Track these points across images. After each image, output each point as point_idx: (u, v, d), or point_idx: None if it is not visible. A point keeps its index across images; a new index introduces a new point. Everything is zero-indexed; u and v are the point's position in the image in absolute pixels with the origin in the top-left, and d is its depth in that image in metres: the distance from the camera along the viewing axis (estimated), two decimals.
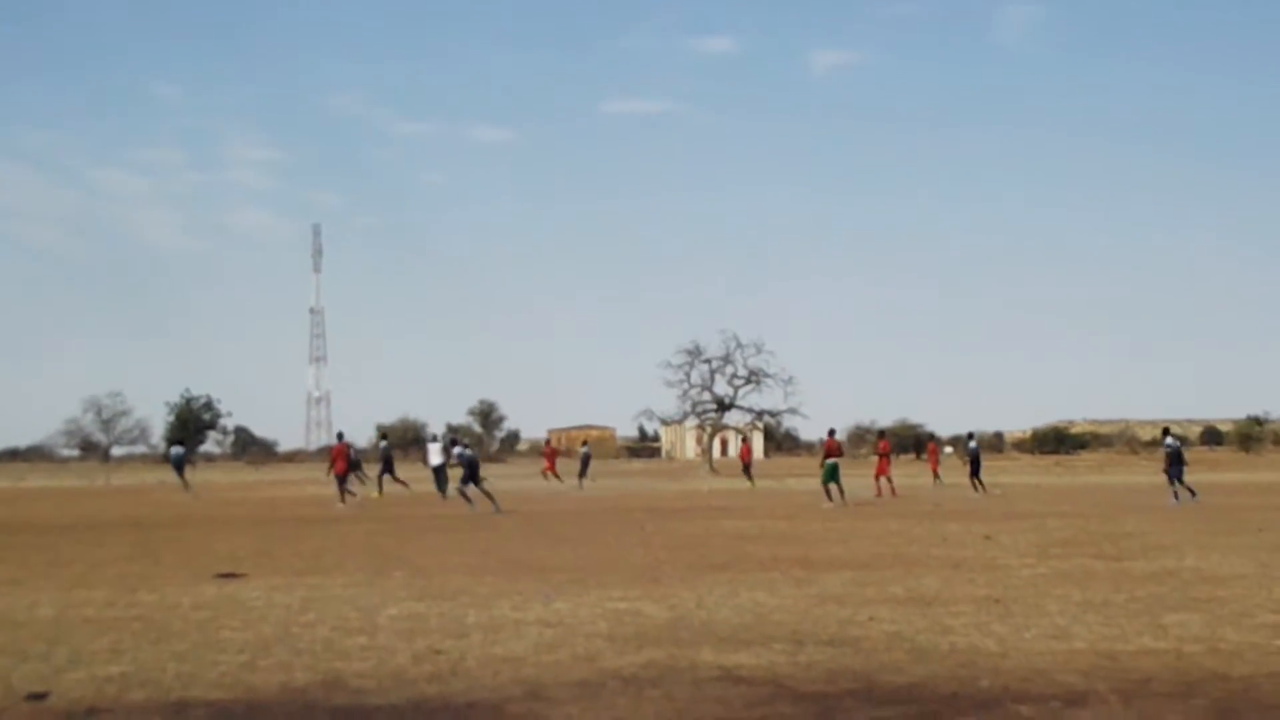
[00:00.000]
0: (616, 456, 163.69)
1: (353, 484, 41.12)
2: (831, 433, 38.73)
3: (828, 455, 37.02)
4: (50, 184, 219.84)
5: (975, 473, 44.83)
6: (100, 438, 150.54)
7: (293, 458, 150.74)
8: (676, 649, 11.17)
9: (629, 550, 21.39)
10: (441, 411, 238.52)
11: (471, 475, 34.53)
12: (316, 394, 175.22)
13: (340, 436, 42.58)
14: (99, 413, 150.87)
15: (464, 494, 34.15)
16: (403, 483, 46.20)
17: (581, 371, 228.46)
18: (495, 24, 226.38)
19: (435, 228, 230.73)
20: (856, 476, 47.85)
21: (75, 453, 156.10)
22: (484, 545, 22.49)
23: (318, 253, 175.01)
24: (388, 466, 46.45)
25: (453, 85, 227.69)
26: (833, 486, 36.01)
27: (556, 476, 58.29)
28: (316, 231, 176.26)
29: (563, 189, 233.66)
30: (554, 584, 16.07)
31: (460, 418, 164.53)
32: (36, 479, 77.33)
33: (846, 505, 34.97)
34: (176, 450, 59.88)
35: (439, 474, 42.12)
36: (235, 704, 9.03)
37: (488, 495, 34.05)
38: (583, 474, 57.74)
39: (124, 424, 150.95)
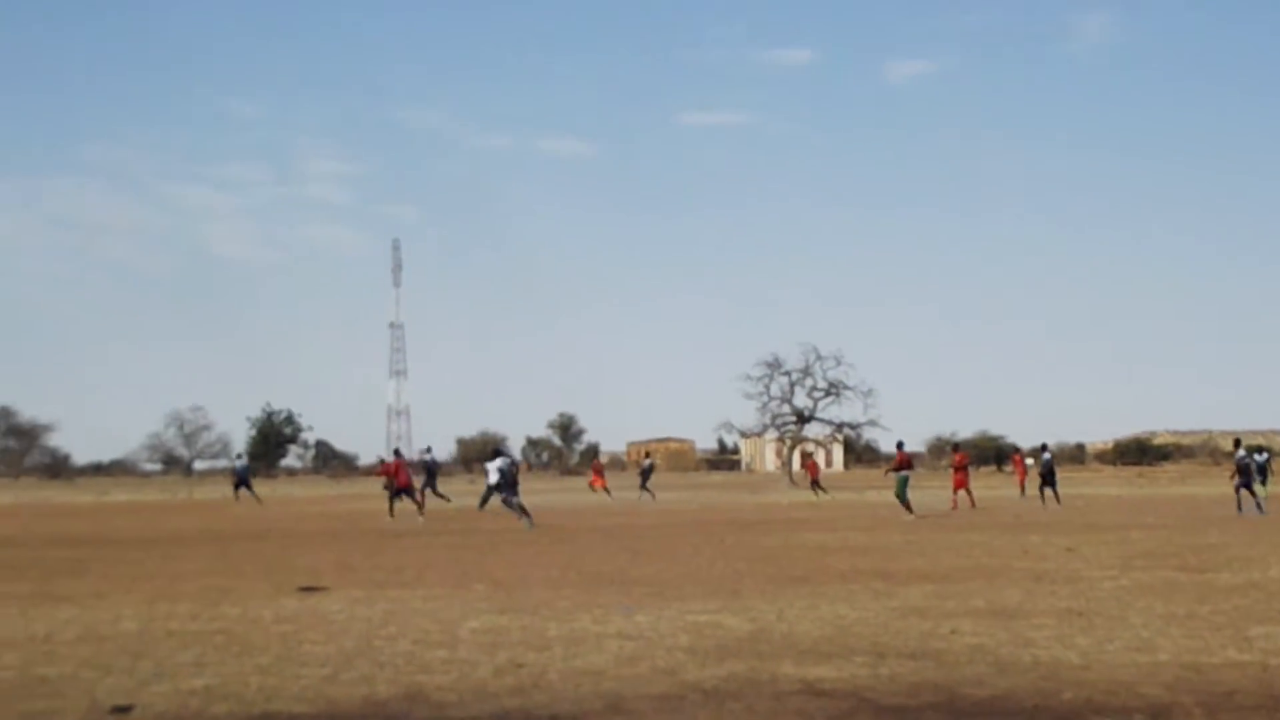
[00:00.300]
0: (696, 469, 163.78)
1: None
2: (900, 445, 38.86)
3: (898, 468, 37.01)
4: (130, 200, 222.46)
5: (1049, 484, 44.39)
6: (182, 452, 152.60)
7: (373, 471, 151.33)
8: (757, 662, 11.13)
9: (709, 563, 21.36)
10: (522, 424, 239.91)
11: (510, 487, 35.02)
12: (397, 408, 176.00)
13: (397, 453, 43.43)
14: (181, 427, 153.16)
15: (508, 505, 34.65)
16: (443, 496, 46.30)
17: (661, 384, 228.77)
18: (572, 36, 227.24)
19: (513, 241, 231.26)
20: (938, 489, 47.57)
21: (158, 467, 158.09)
22: (564, 558, 22.50)
23: (397, 267, 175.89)
24: (431, 479, 46.75)
25: (529, 98, 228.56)
26: (909, 499, 36.01)
27: (606, 491, 58.23)
28: (396, 246, 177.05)
29: (640, 201, 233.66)
30: (634, 597, 16.07)
31: (540, 430, 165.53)
32: (120, 493, 78.09)
33: (915, 518, 34.81)
34: (241, 464, 60.38)
35: (497, 490, 42.43)
36: (318, 717, 9.06)
37: (522, 510, 34.49)
38: (644, 485, 57.61)
39: (206, 438, 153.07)
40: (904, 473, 36.70)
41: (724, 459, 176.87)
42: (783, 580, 18.22)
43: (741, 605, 15.16)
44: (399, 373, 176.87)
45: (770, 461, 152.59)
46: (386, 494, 41.90)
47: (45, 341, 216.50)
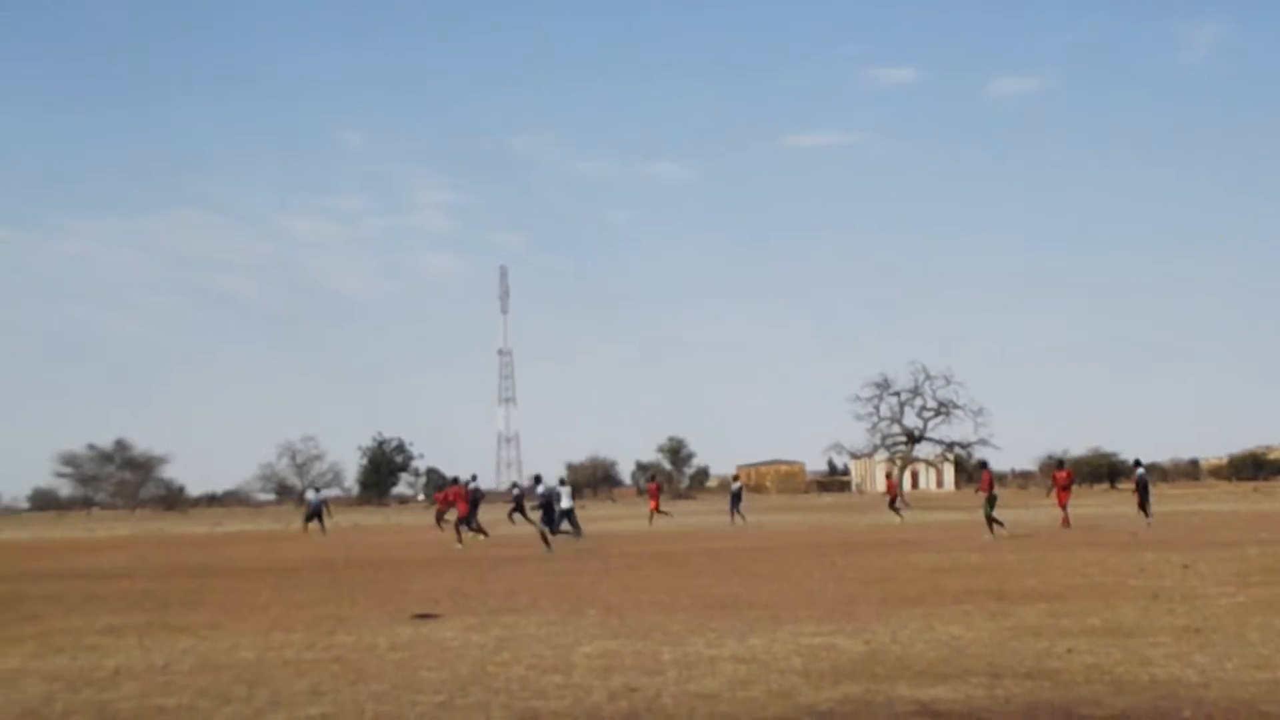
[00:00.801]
0: (806, 491, 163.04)
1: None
2: (984, 465, 39.76)
3: (986, 488, 37.07)
4: (241, 232, 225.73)
5: (1144, 502, 43.74)
6: (295, 482, 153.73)
7: (484, 498, 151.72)
8: (872, 684, 11.08)
9: (821, 585, 21.27)
10: (631, 449, 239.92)
11: (547, 513, 37.05)
12: (506, 434, 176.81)
13: (456, 480, 45.23)
14: (293, 457, 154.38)
15: (550, 530, 36.55)
16: (482, 531, 46.34)
17: (771, 406, 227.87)
18: (675, 59, 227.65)
19: (620, 266, 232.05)
20: (1044, 508, 47.03)
21: (271, 497, 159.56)
22: (676, 582, 22.49)
23: (504, 294, 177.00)
24: (473, 510, 47.04)
25: (633, 122, 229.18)
26: (995, 518, 35.97)
27: (663, 513, 58.01)
28: (503, 274, 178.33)
29: (746, 223, 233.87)
30: (747, 620, 16.03)
31: (650, 455, 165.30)
32: (233, 523, 78.96)
33: (995, 538, 34.55)
34: (316, 497, 60.88)
35: (569, 516, 43.28)
36: None
37: (544, 536, 36.09)
38: (734, 509, 57.28)
39: (318, 468, 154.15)
40: (992, 493, 36.82)
41: (834, 480, 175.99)
42: (896, 601, 18.12)
43: (855, 627, 15.10)
44: (508, 399, 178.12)
45: (880, 483, 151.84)
46: (451, 523, 42.69)
47: (159, 374, 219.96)
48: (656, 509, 58.60)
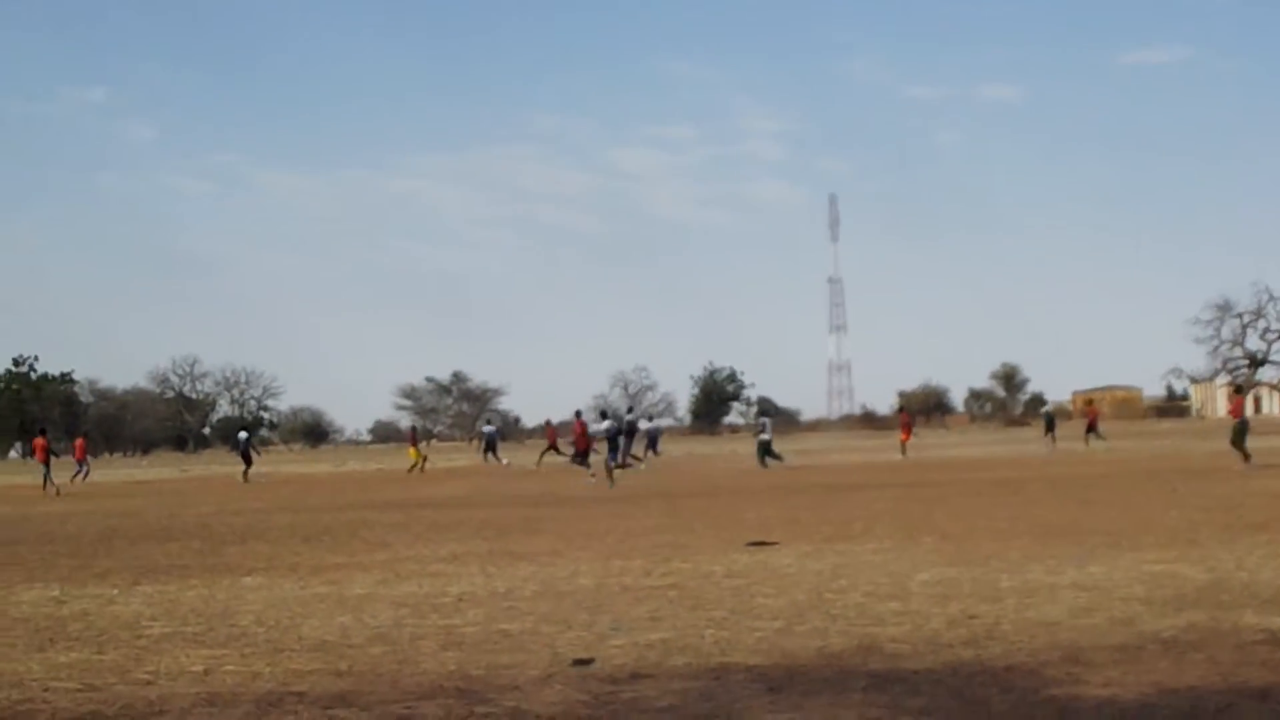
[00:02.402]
0: (1143, 417, 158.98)
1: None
2: (1239, 389, 40.79)
3: (1237, 413, 35.86)
4: (570, 165, 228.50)
5: None
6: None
7: (815, 427, 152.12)
8: (1217, 611, 10.74)
9: (1161, 512, 20.69)
10: (964, 376, 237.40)
11: (613, 447, 40.48)
12: (837, 363, 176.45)
13: (578, 414, 45.83)
14: (626, 387, 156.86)
15: (623, 463, 40.21)
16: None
17: (1107, 330, 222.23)
18: None
19: (949, 190, 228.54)
20: None
21: (604, 427, 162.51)
22: (1012, 510, 22.15)
23: (834, 221, 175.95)
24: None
25: (962, 44, 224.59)
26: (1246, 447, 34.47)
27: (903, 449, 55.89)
28: (833, 201, 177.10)
29: (1079, 144, 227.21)
30: (1086, 547, 15.69)
31: (982, 382, 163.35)
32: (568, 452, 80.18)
33: (1245, 468, 33.00)
34: (489, 429, 62.85)
35: (767, 448, 45.83)
36: (774, 669, 9.09)
37: (608, 471, 38.29)
38: (1050, 433, 56.35)
39: (650, 398, 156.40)
40: (1243, 418, 35.48)
41: (1173, 406, 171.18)
42: (1240, 528, 17.57)
43: (1198, 554, 14.67)
44: (839, 328, 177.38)
45: (1221, 408, 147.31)
46: (567, 456, 43.57)
47: (493, 307, 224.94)
48: (907, 440, 55.87)
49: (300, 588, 14.55)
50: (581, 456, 41.62)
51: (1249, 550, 14.91)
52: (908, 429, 57.12)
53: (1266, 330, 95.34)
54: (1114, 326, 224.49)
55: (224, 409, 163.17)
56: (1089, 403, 72.48)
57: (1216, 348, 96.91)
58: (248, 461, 52.10)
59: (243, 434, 56.13)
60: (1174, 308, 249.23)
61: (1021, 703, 7.90)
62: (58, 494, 43.27)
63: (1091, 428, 56.88)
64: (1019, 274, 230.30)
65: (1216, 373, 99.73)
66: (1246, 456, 34.16)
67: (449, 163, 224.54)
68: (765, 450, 46.19)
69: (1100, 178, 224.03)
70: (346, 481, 49.10)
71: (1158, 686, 8.18)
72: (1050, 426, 57.48)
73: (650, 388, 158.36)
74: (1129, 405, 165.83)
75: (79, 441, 53.24)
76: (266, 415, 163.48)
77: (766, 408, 59.42)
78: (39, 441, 48.52)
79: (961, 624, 10.57)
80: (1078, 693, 8.10)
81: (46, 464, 47.27)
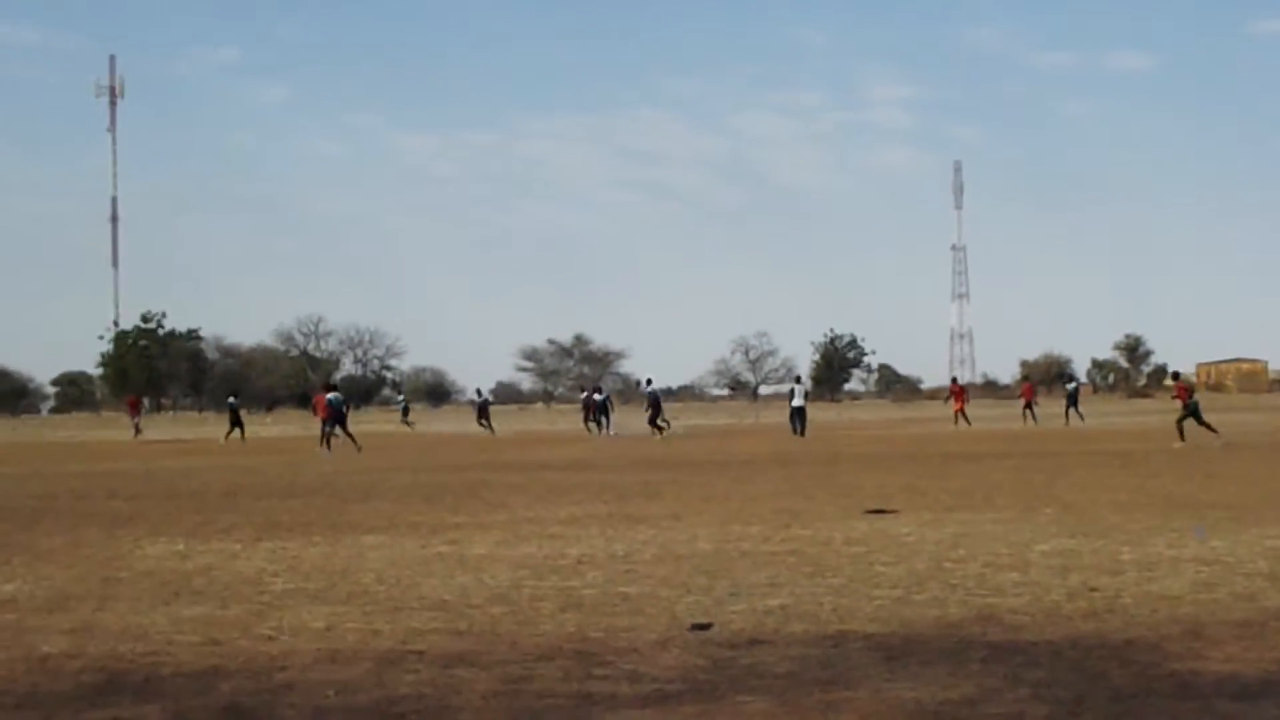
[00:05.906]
0: (1269, 390, 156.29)
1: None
2: (1177, 375, 41.48)
3: (1180, 397, 35.39)
4: (697, 129, 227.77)
5: None
6: (749, 377, 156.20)
7: (936, 395, 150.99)
8: None
9: None
10: (1086, 346, 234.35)
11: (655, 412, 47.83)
12: (960, 331, 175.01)
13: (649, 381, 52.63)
14: (747, 353, 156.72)
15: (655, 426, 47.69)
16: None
17: (1232, 303, 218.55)
18: None
19: (1076, 159, 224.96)
20: None
21: (725, 391, 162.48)
22: (1134, 482, 21.93)
23: (959, 189, 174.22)
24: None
25: (1093, 12, 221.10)
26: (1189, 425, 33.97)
27: (965, 418, 54.42)
28: (957, 168, 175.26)
29: (1209, 113, 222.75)
30: (1209, 521, 15.51)
31: (1105, 352, 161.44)
32: (689, 417, 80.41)
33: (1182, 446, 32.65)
34: (481, 398, 65.88)
35: (800, 414, 47.26)
36: (892, 637, 9.10)
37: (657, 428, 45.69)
38: (1073, 408, 56.10)
39: (770, 364, 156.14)
40: (1192, 400, 34.64)
41: None
42: None
43: None
44: (961, 295, 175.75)
45: None
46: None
47: (616, 271, 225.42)
48: (961, 410, 54.98)
49: (421, 547, 14.71)
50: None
51: None
52: (960, 397, 56.68)
53: None
54: (1240, 298, 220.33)
55: (348, 367, 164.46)
56: (1025, 379, 72.21)
57: None
58: (237, 425, 53.40)
59: (231, 399, 57.49)
60: None
61: (1141, 676, 7.86)
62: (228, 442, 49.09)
63: (1029, 405, 56.55)
64: (1144, 244, 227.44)
65: None
66: (1181, 436, 33.59)
67: (577, 126, 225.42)
68: (799, 417, 46.35)
69: (1229, 146, 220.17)
70: (467, 443, 49.45)
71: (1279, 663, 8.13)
72: (1074, 401, 57.24)
73: (771, 353, 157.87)
74: (1254, 378, 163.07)
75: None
76: (389, 375, 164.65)
77: (799, 374, 60.03)
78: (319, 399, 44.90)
79: (1081, 596, 10.51)
80: (1198, 668, 8.05)
81: (239, 423, 53.09)
